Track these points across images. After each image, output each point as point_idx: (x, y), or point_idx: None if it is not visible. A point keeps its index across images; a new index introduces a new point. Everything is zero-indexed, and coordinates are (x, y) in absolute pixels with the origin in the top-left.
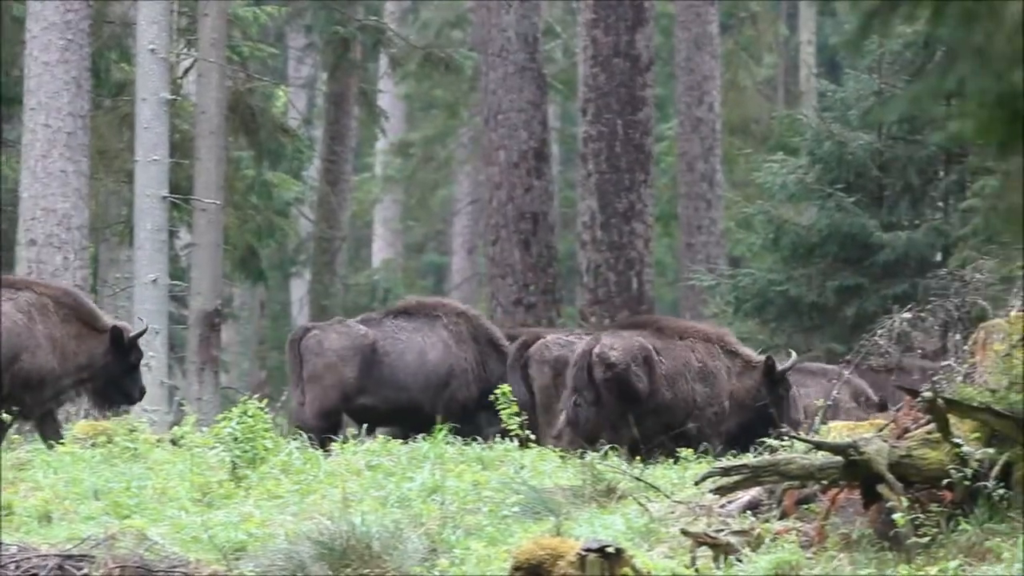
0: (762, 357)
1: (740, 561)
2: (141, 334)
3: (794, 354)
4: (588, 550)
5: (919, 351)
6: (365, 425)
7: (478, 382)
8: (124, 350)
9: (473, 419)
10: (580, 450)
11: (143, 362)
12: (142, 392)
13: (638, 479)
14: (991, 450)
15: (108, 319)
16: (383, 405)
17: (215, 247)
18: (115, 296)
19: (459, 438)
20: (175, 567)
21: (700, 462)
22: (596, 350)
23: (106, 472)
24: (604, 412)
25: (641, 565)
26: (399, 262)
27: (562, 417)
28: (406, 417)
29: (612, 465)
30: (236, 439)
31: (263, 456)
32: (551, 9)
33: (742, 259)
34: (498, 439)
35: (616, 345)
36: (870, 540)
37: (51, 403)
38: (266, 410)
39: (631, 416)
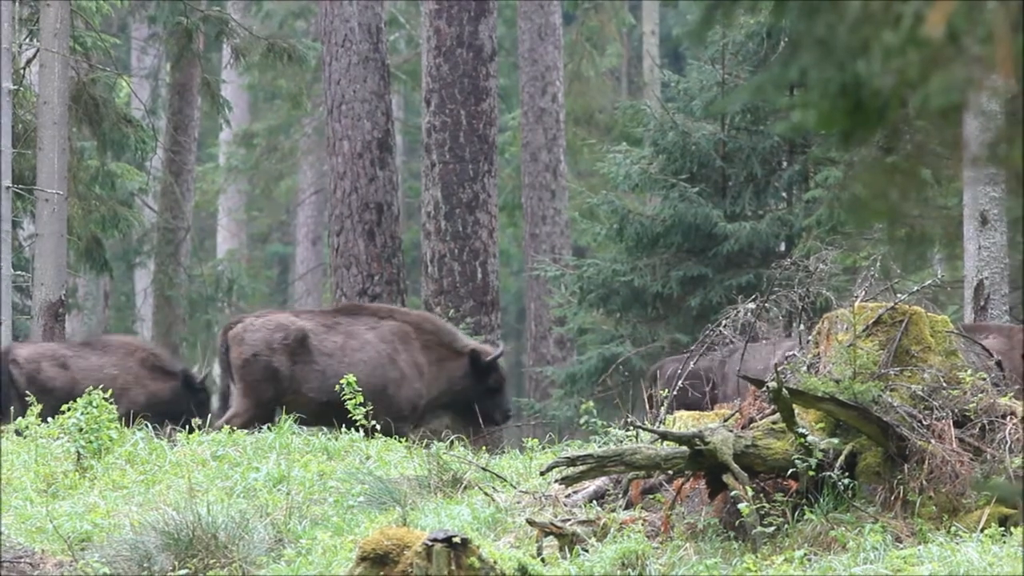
0: None
1: (586, 551)
2: (498, 356)
3: None
4: (434, 540)
5: (764, 340)
6: None
7: None
8: (482, 372)
9: None
10: None
11: None
12: (504, 415)
13: (484, 469)
14: (836, 440)
15: (467, 341)
16: None
17: (59, 237)
18: None
19: None
20: (20, 558)
21: (546, 452)
22: None
23: None
24: None
25: (487, 555)
26: (243, 252)
27: None
28: None
29: (458, 455)
30: (81, 429)
31: (108, 447)
32: None
33: (587, 249)
34: None
35: None
36: (716, 530)
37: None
38: (110, 400)
39: None
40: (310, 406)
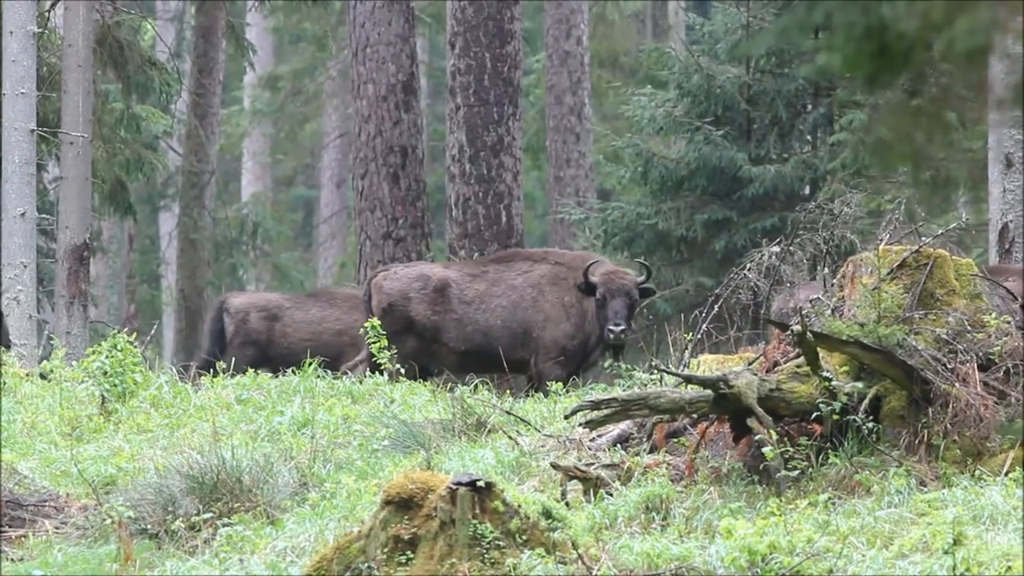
0: None
1: (610, 495)
2: (592, 264)
3: None
4: (459, 484)
5: (788, 284)
6: None
7: None
8: (589, 289)
9: None
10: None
11: (12, 296)
12: (615, 333)
13: (508, 413)
14: (860, 384)
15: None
16: None
17: (83, 180)
18: None
19: None
20: (45, 501)
21: (570, 396)
22: None
23: None
24: None
25: (512, 499)
26: (268, 196)
27: None
28: None
29: (482, 399)
30: (105, 373)
31: (133, 390)
32: None
33: (611, 192)
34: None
35: None
36: (740, 474)
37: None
38: (135, 344)
39: None
40: (451, 356)
